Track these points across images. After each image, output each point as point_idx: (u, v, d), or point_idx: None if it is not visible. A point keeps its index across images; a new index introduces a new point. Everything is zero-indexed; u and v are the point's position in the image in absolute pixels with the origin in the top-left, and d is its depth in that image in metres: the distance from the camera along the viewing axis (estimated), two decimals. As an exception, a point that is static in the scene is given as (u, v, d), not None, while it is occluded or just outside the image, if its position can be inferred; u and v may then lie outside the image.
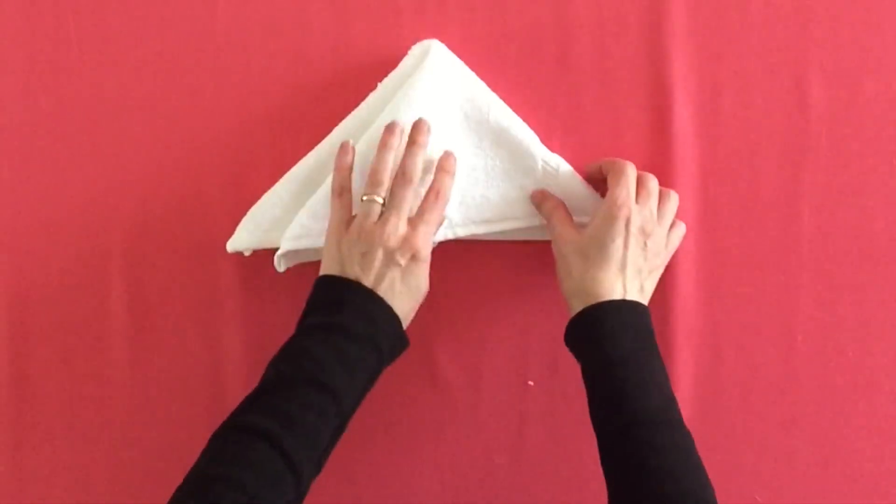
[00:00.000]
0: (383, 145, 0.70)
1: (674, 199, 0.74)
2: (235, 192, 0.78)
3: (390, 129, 0.70)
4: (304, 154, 0.76)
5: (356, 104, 0.76)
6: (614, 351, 0.65)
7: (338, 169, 0.70)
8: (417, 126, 0.70)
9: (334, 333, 0.64)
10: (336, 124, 0.76)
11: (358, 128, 0.75)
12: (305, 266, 0.78)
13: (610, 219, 0.69)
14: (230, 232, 0.77)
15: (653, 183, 0.73)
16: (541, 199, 0.73)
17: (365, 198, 0.69)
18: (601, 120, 0.78)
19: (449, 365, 0.80)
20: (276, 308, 0.79)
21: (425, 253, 0.68)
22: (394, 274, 0.66)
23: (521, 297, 0.76)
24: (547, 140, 0.78)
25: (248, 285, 0.79)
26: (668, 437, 0.63)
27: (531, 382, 0.79)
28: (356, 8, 0.78)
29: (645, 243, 0.70)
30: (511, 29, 0.78)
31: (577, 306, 0.68)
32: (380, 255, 0.66)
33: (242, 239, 0.76)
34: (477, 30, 0.78)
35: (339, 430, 0.64)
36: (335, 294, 0.66)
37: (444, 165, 0.71)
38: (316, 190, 0.74)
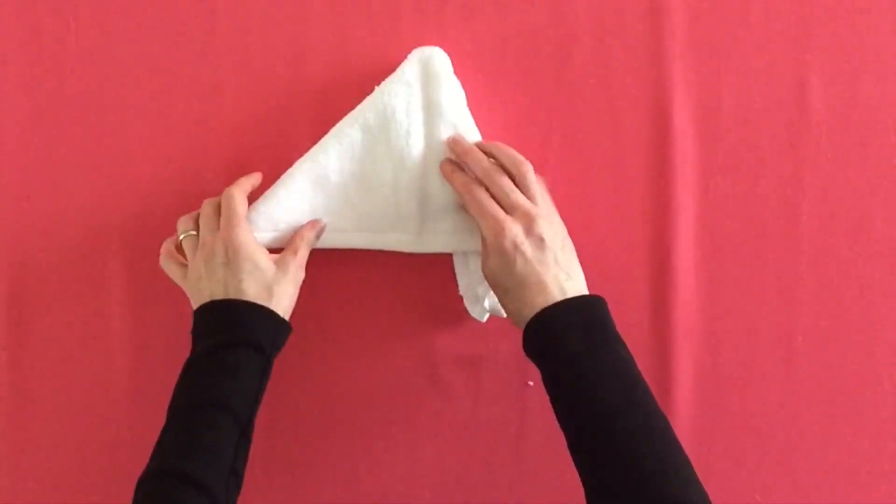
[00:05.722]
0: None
1: (526, 169, 0.71)
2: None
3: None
4: (304, 154, 0.76)
5: (355, 105, 0.75)
6: (565, 352, 0.65)
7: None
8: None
9: (202, 355, 0.67)
10: (335, 124, 0.76)
11: (355, 130, 0.74)
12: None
13: (498, 250, 0.68)
14: (230, 232, 0.77)
15: (500, 178, 0.70)
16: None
17: (180, 236, 0.74)
18: (601, 120, 0.79)
19: (449, 365, 0.80)
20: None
21: (237, 235, 0.69)
22: (222, 274, 0.69)
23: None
24: (547, 140, 0.78)
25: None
26: (634, 422, 0.62)
27: (531, 382, 0.79)
28: (356, 9, 0.78)
29: (541, 239, 0.68)
30: (511, 30, 0.78)
31: (522, 325, 0.68)
32: (203, 270, 0.70)
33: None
34: (477, 30, 0.78)
35: (244, 435, 0.66)
36: (197, 322, 0.70)
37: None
38: (314, 189, 0.74)
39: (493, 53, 0.78)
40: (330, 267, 0.79)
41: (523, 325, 0.68)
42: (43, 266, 0.79)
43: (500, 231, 0.68)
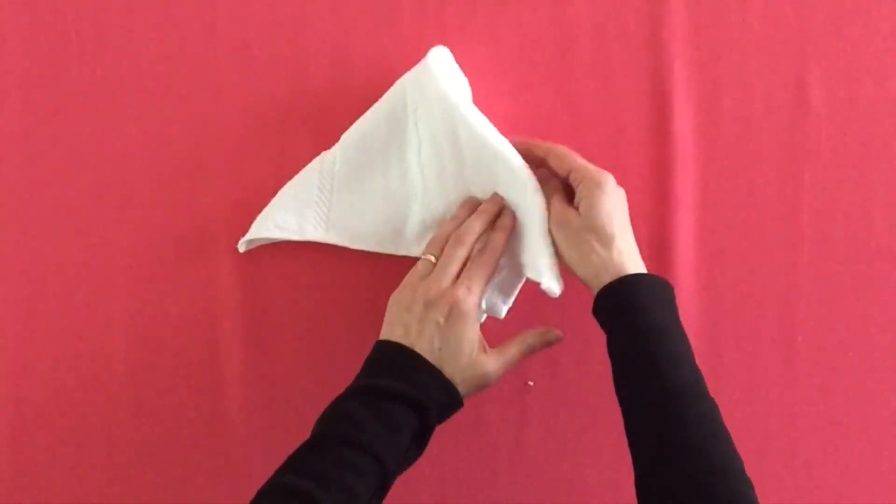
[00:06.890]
0: (454, 216, 0.72)
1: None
2: (235, 193, 0.78)
3: (465, 204, 0.72)
4: (304, 155, 0.76)
5: (356, 105, 0.75)
6: (646, 322, 0.65)
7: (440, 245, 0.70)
8: (493, 199, 0.72)
9: (374, 395, 0.64)
10: (335, 125, 0.76)
11: (360, 132, 0.75)
12: (305, 267, 0.78)
13: (603, 190, 0.68)
14: (230, 232, 0.78)
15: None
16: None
17: (422, 256, 0.70)
18: (601, 120, 0.79)
19: (449, 365, 0.80)
20: (276, 307, 0.79)
21: (466, 307, 0.66)
22: (431, 330, 0.65)
23: (521, 297, 0.76)
24: (547, 140, 0.78)
25: (247, 284, 0.79)
26: (700, 410, 0.62)
27: (531, 382, 0.79)
28: (356, 9, 0.78)
29: (625, 199, 0.71)
30: (511, 30, 0.78)
31: (606, 279, 0.67)
32: (418, 309, 0.66)
33: (253, 232, 0.77)
34: (477, 31, 0.78)
35: (382, 488, 0.63)
36: (380, 358, 0.67)
37: (500, 223, 0.71)
38: (321, 186, 0.75)
39: (493, 53, 0.78)
40: (330, 266, 0.79)
41: (604, 275, 0.67)
42: (43, 266, 0.79)
43: (605, 174, 0.69)
